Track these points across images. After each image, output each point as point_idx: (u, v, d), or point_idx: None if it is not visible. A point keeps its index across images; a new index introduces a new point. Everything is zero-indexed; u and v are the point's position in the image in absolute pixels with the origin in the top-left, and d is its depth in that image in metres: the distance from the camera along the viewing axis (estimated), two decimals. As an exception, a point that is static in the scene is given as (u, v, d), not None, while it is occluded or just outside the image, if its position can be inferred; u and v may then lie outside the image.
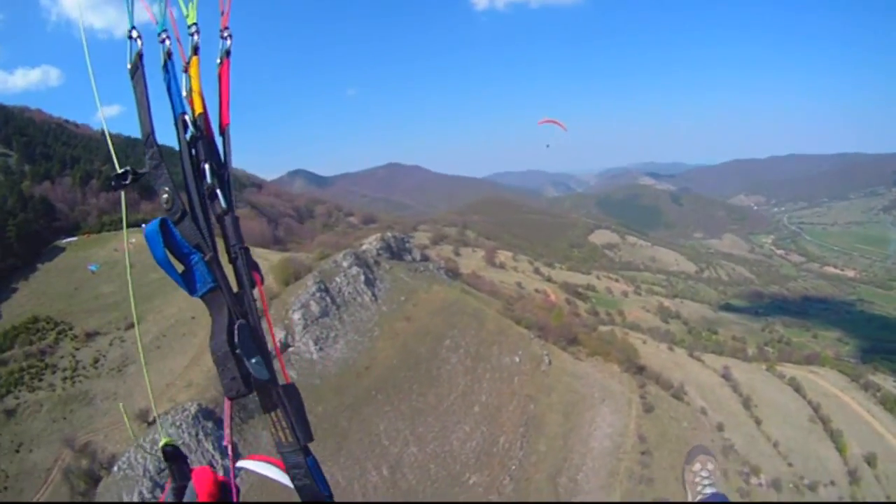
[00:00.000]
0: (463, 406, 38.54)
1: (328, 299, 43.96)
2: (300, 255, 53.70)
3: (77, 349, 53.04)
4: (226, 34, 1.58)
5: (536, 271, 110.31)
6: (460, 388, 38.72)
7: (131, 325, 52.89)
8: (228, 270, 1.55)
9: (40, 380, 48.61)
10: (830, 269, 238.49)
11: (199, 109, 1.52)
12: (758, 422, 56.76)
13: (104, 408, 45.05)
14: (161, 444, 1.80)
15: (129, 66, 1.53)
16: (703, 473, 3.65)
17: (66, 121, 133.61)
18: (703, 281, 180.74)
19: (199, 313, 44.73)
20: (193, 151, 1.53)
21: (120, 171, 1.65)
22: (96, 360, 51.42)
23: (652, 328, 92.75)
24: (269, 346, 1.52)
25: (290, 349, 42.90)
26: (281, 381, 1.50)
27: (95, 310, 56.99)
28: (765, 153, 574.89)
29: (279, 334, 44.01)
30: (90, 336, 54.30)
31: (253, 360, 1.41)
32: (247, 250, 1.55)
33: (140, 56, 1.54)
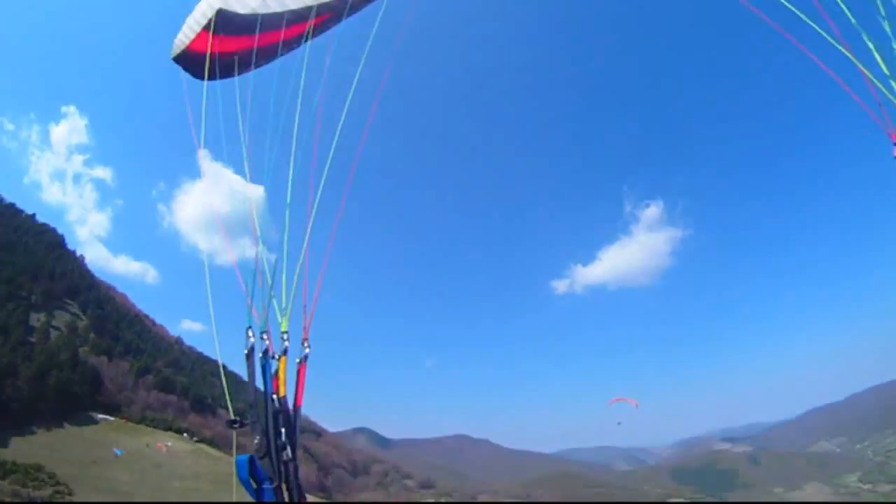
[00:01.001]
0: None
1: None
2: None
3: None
4: (306, 344, 2.43)
5: None
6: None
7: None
8: None
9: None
10: None
11: (282, 392, 2.32)
12: None
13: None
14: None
15: (245, 351, 2.37)
16: None
17: (147, 315, 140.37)
18: None
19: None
20: (275, 417, 2.29)
21: (234, 418, 2.39)
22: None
23: None
24: None
25: None
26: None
27: (102, 489, 53.97)
28: (845, 393, 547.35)
29: None
30: (84, 509, 49.32)
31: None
32: (300, 487, 2.08)
33: (254, 349, 2.34)
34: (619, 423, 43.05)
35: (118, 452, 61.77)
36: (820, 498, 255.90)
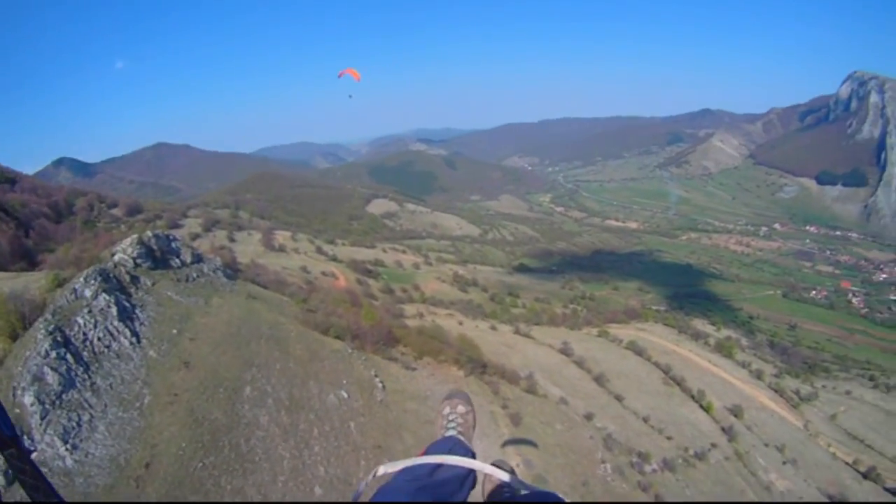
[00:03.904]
0: (299, 492, 25.56)
1: (69, 357, 27.53)
2: (33, 280, 35.62)
3: None
4: None
5: (319, 251, 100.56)
6: (286, 464, 25.92)
7: None
8: None
9: None
10: (613, 223, 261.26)
11: None
12: (619, 399, 53.47)
13: None
14: None
15: None
16: (451, 416, 3.53)
17: None
18: (488, 243, 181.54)
19: None
20: None
21: None
22: None
23: (454, 301, 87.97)
24: None
25: (33, 455, 26.60)
26: None
27: None
28: (537, 118, 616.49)
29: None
30: None
31: None
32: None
33: None
34: (350, 97, 44.22)
35: None
36: (515, 211, 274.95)
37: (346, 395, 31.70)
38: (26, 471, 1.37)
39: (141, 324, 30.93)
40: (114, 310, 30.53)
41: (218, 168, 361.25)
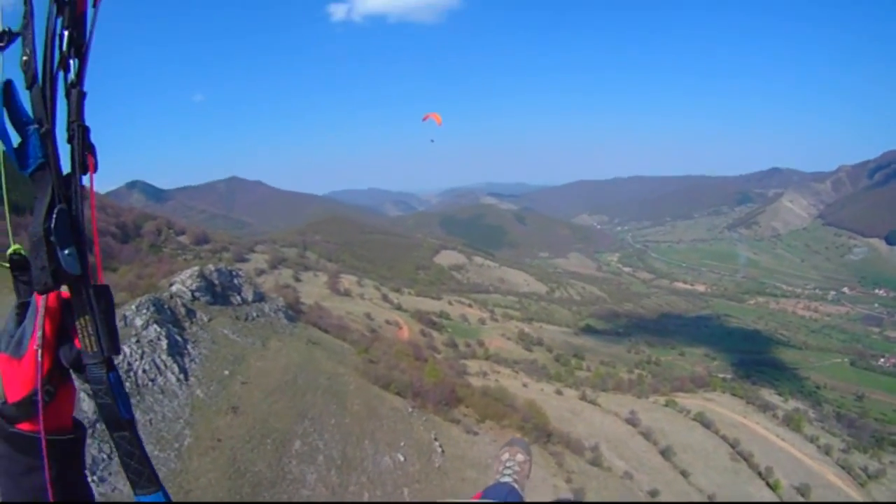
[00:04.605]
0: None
1: (110, 387, 25.98)
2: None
3: None
4: None
5: (385, 298, 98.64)
6: (329, 530, 22.72)
7: None
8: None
9: None
10: (680, 285, 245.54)
11: None
12: (685, 474, 50.03)
13: None
14: (10, 250, 1.36)
15: None
16: (509, 463, 3.55)
17: None
18: (555, 302, 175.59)
19: None
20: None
21: None
22: None
23: (518, 359, 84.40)
24: (90, 240, 1.38)
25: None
26: (95, 281, 1.35)
27: None
28: (608, 175, 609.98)
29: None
30: None
31: (66, 252, 1.26)
32: (86, 129, 1.34)
33: None
34: (432, 141, 44.16)
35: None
36: (583, 270, 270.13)
37: (402, 458, 28.49)
38: (135, 455, 1.36)
39: (191, 360, 29.14)
40: (164, 343, 28.86)
41: (289, 207, 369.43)
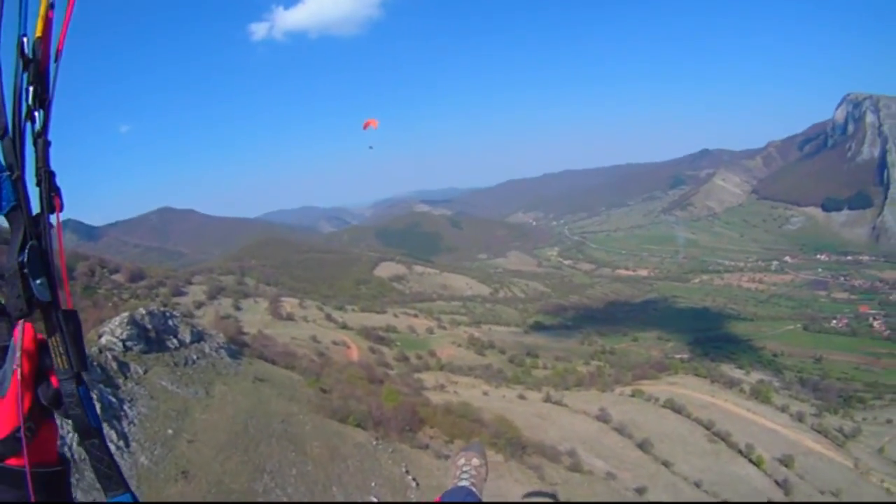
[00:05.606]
0: None
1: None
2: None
3: None
4: None
5: (328, 318, 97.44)
6: None
7: None
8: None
9: None
10: (623, 272, 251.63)
11: (39, 33, 1.47)
12: (667, 464, 49.50)
13: None
14: None
15: None
16: (465, 467, 3.64)
17: None
18: (500, 302, 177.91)
19: None
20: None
21: None
22: None
23: (473, 366, 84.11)
24: (59, 270, 1.56)
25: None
26: (64, 306, 1.53)
27: None
28: (538, 172, 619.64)
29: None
30: None
31: (38, 281, 1.44)
32: (52, 174, 1.55)
33: None
34: (370, 147, 45.90)
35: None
36: (524, 267, 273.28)
37: (375, 500, 26.99)
38: (104, 461, 1.51)
39: (130, 423, 26.33)
40: (97, 407, 26.32)
41: (223, 233, 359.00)
